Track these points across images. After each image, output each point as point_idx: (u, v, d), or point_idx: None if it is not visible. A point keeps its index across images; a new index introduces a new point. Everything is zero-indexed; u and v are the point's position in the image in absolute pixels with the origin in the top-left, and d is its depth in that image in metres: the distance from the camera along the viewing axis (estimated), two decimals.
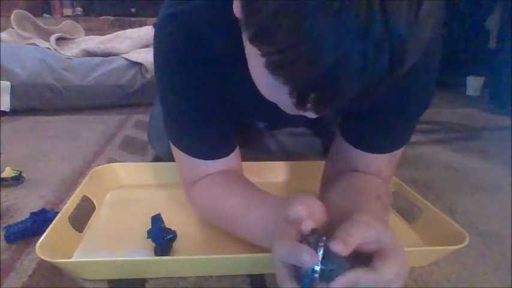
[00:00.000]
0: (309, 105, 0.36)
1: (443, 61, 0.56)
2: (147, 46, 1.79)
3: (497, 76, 1.84)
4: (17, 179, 0.85)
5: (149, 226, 0.59)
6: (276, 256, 0.40)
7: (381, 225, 0.41)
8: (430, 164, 1.06)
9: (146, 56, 1.66)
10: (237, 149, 0.65)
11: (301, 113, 0.39)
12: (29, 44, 1.67)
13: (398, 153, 0.62)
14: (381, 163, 0.61)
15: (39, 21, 1.85)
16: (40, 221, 0.64)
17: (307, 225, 0.40)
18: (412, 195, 0.73)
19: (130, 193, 0.80)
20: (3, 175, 0.84)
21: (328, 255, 0.37)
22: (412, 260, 0.58)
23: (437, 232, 0.63)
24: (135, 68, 1.65)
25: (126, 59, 1.65)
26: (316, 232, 0.40)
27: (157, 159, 0.97)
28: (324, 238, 0.38)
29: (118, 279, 0.54)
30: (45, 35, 1.77)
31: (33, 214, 0.65)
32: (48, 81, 1.52)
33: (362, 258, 0.39)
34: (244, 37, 0.40)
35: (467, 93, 2.15)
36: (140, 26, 2.22)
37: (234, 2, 0.41)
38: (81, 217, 0.68)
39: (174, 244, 0.59)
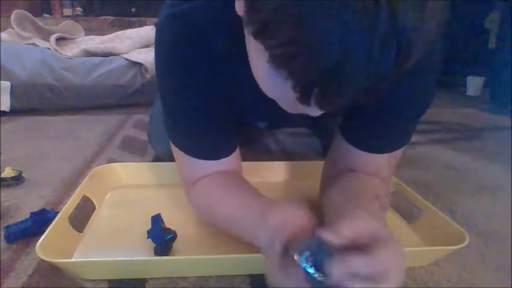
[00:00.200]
0: (312, 101, 0.35)
1: (443, 61, 0.56)
2: (147, 46, 1.79)
3: (497, 76, 1.84)
4: (17, 179, 0.85)
5: (149, 226, 0.59)
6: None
7: (374, 220, 0.41)
8: (430, 164, 1.06)
9: (146, 56, 1.66)
10: (237, 150, 0.65)
11: (303, 110, 0.39)
12: (29, 44, 1.67)
13: (398, 153, 0.62)
14: (380, 163, 0.61)
15: (39, 21, 1.85)
16: (40, 221, 0.64)
17: (277, 245, 0.40)
18: (412, 195, 0.73)
19: (130, 193, 0.80)
20: (3, 175, 0.84)
21: (320, 251, 0.37)
22: (412, 260, 0.58)
23: (437, 232, 0.63)
24: (135, 68, 1.65)
25: (126, 59, 1.65)
26: (298, 241, 0.39)
27: (157, 159, 0.97)
28: (310, 241, 0.38)
29: (118, 279, 0.54)
30: (45, 35, 1.77)
31: (33, 214, 0.65)
32: (48, 81, 1.52)
33: None
34: (247, 34, 0.40)
35: (467, 93, 2.15)
36: (140, 26, 2.21)
37: (236, 1, 0.41)
38: (81, 217, 0.68)
39: (174, 244, 0.59)
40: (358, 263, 0.36)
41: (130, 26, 2.52)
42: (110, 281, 0.54)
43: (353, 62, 0.31)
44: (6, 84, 1.46)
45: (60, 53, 1.63)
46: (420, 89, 0.56)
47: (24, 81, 1.49)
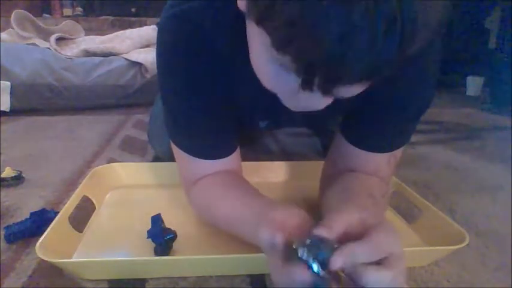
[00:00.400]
0: (315, 86, 0.35)
1: (443, 61, 0.56)
2: (147, 46, 1.79)
3: (497, 76, 1.84)
4: (17, 179, 0.85)
5: (149, 226, 0.59)
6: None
7: (363, 211, 0.42)
8: (430, 164, 1.06)
9: (146, 56, 1.66)
10: (238, 150, 0.65)
11: (305, 102, 0.39)
12: (29, 44, 1.67)
13: (398, 153, 0.62)
14: (380, 162, 0.61)
15: (39, 21, 1.85)
16: (40, 221, 0.64)
17: (279, 239, 0.40)
18: (412, 195, 0.73)
19: (130, 193, 0.80)
20: (3, 175, 0.84)
21: (317, 247, 0.37)
22: (412, 260, 0.58)
23: (437, 232, 0.63)
24: (135, 68, 1.65)
25: (126, 59, 1.65)
26: (297, 240, 0.39)
27: (157, 159, 0.97)
28: (309, 240, 0.38)
29: (118, 279, 0.54)
30: (45, 35, 1.77)
31: (33, 214, 0.65)
32: (48, 81, 1.52)
33: None
34: (249, 26, 0.40)
35: (467, 93, 2.15)
36: (140, 26, 2.21)
37: None
38: (81, 217, 0.68)
39: (174, 244, 0.59)
40: (358, 249, 0.36)
41: (131, 26, 2.52)
42: (109, 281, 0.54)
43: (357, 42, 0.30)
44: (6, 84, 1.46)
45: (60, 53, 1.63)
46: (420, 89, 0.56)
47: (24, 81, 1.49)
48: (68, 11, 3.26)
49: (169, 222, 0.61)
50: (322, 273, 0.36)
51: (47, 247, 0.53)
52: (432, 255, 0.60)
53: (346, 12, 0.29)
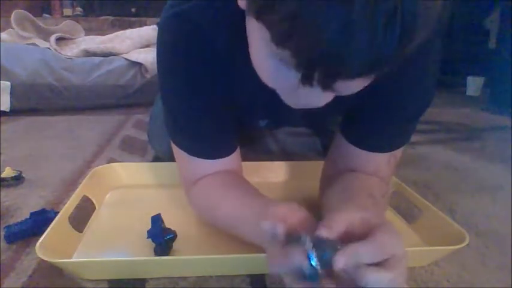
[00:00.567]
0: (315, 81, 0.35)
1: (443, 61, 0.56)
2: (147, 46, 1.79)
3: (497, 76, 1.84)
4: (17, 179, 0.85)
5: (149, 226, 0.59)
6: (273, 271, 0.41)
7: (363, 210, 0.42)
8: (430, 164, 1.06)
9: (146, 56, 1.66)
10: (238, 150, 0.65)
11: (305, 98, 0.39)
12: (29, 44, 1.67)
13: (398, 152, 0.62)
14: (380, 162, 0.61)
15: (39, 21, 1.85)
16: (40, 221, 0.64)
17: (280, 229, 0.40)
18: (412, 195, 0.73)
19: (130, 193, 0.80)
20: (3, 175, 0.84)
21: (321, 247, 0.37)
22: (412, 260, 0.58)
23: (437, 232, 0.63)
24: (135, 68, 1.65)
25: (126, 59, 1.65)
26: (300, 235, 0.39)
27: (157, 159, 0.97)
28: (309, 237, 0.38)
29: (118, 279, 0.54)
30: (45, 35, 1.77)
31: (33, 214, 0.65)
32: (48, 81, 1.52)
33: None
34: (249, 22, 0.40)
35: (467, 93, 2.15)
36: (140, 26, 2.22)
37: None
38: (81, 217, 0.68)
39: (174, 244, 0.59)
40: (362, 249, 0.36)
41: (131, 26, 2.52)
42: (109, 281, 0.54)
43: (357, 36, 0.30)
44: (6, 84, 1.46)
45: (60, 53, 1.63)
46: (420, 88, 0.56)
47: (24, 81, 1.49)
48: (68, 11, 3.26)
49: (169, 222, 0.61)
50: (318, 268, 0.36)
51: (47, 247, 0.53)
52: (432, 255, 0.60)
53: (346, 5, 0.29)
